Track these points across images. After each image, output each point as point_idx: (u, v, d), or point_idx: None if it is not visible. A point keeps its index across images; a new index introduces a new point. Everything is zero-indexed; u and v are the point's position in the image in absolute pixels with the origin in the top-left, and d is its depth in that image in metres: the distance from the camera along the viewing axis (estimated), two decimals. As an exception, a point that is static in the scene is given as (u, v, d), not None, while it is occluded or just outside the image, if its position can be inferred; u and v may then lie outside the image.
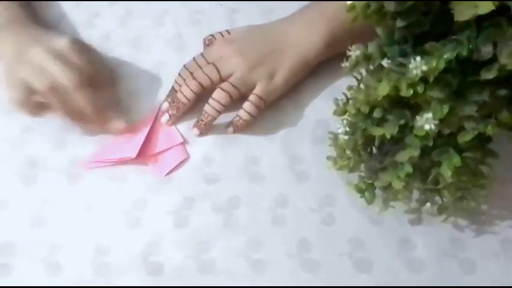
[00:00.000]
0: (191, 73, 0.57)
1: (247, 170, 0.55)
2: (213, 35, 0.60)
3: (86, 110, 0.54)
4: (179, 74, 0.58)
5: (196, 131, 0.57)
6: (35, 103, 0.54)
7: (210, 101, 0.56)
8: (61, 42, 0.54)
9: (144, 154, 0.56)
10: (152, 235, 0.51)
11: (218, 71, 0.56)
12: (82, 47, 0.56)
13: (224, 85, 0.55)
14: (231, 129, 0.57)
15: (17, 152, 0.57)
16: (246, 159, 0.56)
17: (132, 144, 0.56)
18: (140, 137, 0.56)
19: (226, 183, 0.54)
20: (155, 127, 0.58)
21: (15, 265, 0.50)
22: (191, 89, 0.56)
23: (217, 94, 0.55)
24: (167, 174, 0.55)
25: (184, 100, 0.56)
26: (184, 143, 0.57)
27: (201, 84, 0.56)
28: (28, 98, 0.54)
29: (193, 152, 0.56)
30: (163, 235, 0.51)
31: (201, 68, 0.57)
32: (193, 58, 0.58)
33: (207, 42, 0.60)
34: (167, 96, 0.58)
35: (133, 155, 0.55)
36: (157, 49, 0.64)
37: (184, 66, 0.58)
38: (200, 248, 0.50)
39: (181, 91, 0.57)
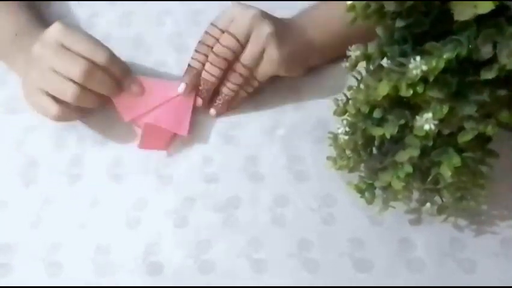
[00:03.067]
0: (210, 47, 0.55)
1: (247, 170, 0.55)
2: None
3: (124, 74, 0.55)
4: (196, 50, 0.56)
5: (213, 111, 0.58)
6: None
7: (226, 82, 0.56)
8: (52, 31, 0.53)
9: (137, 118, 0.56)
10: (152, 235, 0.51)
11: (236, 38, 0.54)
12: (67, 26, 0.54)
13: (236, 66, 0.55)
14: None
15: (17, 152, 0.57)
16: (246, 159, 0.56)
17: (132, 109, 0.56)
18: (144, 106, 0.56)
19: (226, 183, 0.54)
20: (171, 104, 0.57)
21: (15, 265, 0.50)
22: (217, 67, 0.55)
23: (232, 76, 0.56)
24: (143, 148, 0.55)
25: (212, 79, 0.56)
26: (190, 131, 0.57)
27: (224, 59, 0.55)
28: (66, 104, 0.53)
29: (193, 152, 0.56)
30: (163, 235, 0.51)
31: (216, 38, 0.55)
32: (206, 31, 0.56)
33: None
34: (184, 76, 0.56)
35: (125, 119, 0.55)
36: (157, 49, 0.64)
37: (200, 41, 0.56)
38: (200, 248, 0.50)
39: (206, 71, 0.56)
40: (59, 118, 0.53)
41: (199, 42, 0.56)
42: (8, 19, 0.59)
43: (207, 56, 0.56)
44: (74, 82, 0.52)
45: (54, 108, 0.53)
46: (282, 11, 0.60)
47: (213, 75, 0.56)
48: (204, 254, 0.50)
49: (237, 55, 0.55)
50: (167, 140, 0.57)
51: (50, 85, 0.52)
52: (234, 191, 0.54)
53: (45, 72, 0.52)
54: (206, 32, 0.56)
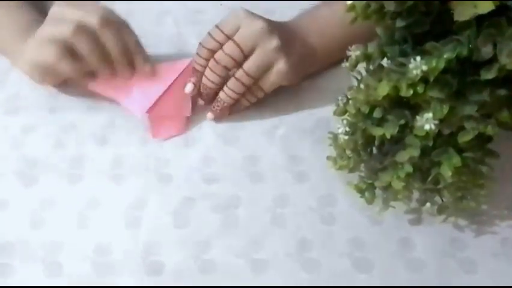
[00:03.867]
0: (211, 51, 0.55)
1: (247, 170, 0.55)
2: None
3: (114, 50, 0.54)
4: (197, 54, 0.56)
5: (210, 115, 0.58)
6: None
7: (225, 89, 0.56)
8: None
9: (149, 110, 0.56)
10: (152, 235, 0.51)
11: (240, 48, 0.54)
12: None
13: (239, 74, 0.54)
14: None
15: (17, 152, 0.57)
16: (246, 159, 0.56)
17: (143, 102, 0.56)
18: (154, 95, 0.56)
19: (226, 183, 0.54)
20: (171, 88, 0.57)
21: (15, 265, 0.50)
22: (217, 74, 0.55)
23: (232, 84, 0.55)
24: (160, 138, 0.57)
25: (211, 85, 0.56)
26: (189, 118, 0.58)
27: (225, 67, 0.55)
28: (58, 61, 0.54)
29: (193, 152, 0.56)
30: (163, 235, 0.51)
31: (219, 42, 0.54)
32: (209, 33, 0.55)
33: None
34: (192, 76, 0.57)
35: (139, 114, 0.56)
36: (157, 49, 0.64)
37: (201, 43, 0.56)
38: (200, 248, 0.50)
39: (206, 76, 0.56)
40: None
41: (200, 44, 0.55)
42: (9, 20, 0.59)
43: (208, 60, 0.55)
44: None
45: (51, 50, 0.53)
46: (282, 10, 0.61)
47: (212, 81, 0.56)
48: (204, 254, 0.50)
49: (238, 64, 0.54)
50: (181, 123, 0.57)
51: (49, 27, 0.54)
52: (234, 191, 0.54)
53: (57, 22, 0.53)
54: (209, 34, 0.55)
